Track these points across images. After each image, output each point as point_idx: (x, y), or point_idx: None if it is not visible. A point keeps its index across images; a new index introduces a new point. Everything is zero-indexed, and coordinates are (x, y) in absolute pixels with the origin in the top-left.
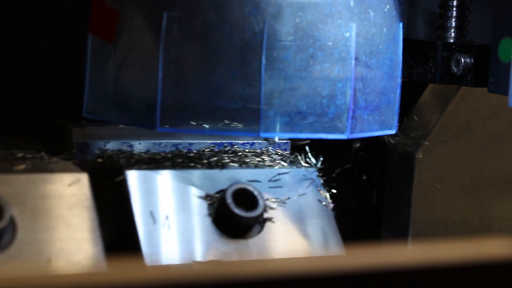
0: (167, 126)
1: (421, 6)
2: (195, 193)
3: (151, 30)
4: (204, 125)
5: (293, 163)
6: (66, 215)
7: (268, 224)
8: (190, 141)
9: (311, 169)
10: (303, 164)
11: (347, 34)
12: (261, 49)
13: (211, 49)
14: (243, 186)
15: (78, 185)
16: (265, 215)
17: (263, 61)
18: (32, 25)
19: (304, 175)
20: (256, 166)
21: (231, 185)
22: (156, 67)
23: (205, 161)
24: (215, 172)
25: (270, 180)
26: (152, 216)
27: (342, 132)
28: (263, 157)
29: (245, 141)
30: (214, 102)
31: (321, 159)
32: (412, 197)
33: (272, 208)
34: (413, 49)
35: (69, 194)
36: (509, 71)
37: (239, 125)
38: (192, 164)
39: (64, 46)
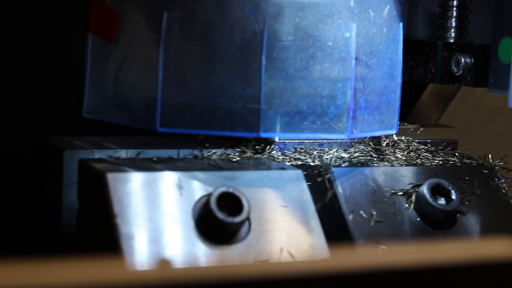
0: (167, 126)
1: (421, 6)
2: (389, 188)
3: (151, 30)
4: (204, 125)
5: (469, 160)
6: (290, 208)
7: (460, 217)
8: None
9: (488, 166)
10: (479, 160)
11: (347, 34)
12: (261, 49)
13: (211, 49)
14: (439, 181)
15: (296, 180)
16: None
17: (263, 61)
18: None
19: (482, 172)
20: (437, 163)
21: (428, 180)
22: (156, 67)
23: (392, 158)
24: (401, 169)
25: (457, 178)
26: (359, 209)
27: (342, 132)
28: (438, 155)
29: (420, 139)
30: (215, 102)
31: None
32: None
33: (462, 203)
34: (413, 49)
35: (289, 189)
36: (509, 71)
37: (239, 125)
38: (385, 162)
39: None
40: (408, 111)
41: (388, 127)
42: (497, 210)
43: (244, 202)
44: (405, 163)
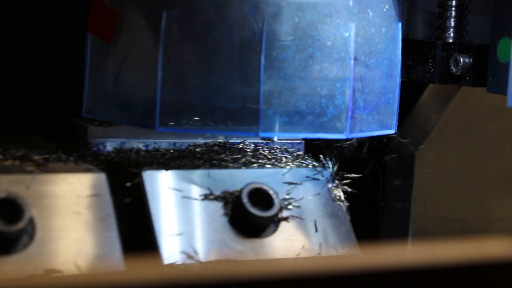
0: (166, 126)
1: (420, 6)
2: (206, 192)
3: (151, 30)
4: (204, 125)
5: (307, 162)
6: (85, 215)
7: (283, 224)
8: (206, 140)
9: (325, 169)
10: (317, 164)
11: (346, 34)
12: (260, 49)
13: (210, 49)
14: (258, 185)
15: (96, 185)
16: (280, 215)
17: (262, 61)
18: (33, 26)
19: (318, 175)
20: (271, 165)
21: (247, 185)
22: (156, 67)
23: (218, 159)
24: (231, 172)
25: (285, 181)
26: (168, 215)
27: (341, 132)
28: (278, 156)
29: (260, 140)
30: (214, 102)
31: (333, 159)
32: (412, 197)
33: (287, 208)
34: (412, 49)
35: (87, 194)
36: (508, 71)
37: (238, 125)
38: (206, 163)
39: (64, 46)
40: (408, 111)
41: (387, 127)
42: (328, 215)
43: (25, 209)
44: (225, 165)
